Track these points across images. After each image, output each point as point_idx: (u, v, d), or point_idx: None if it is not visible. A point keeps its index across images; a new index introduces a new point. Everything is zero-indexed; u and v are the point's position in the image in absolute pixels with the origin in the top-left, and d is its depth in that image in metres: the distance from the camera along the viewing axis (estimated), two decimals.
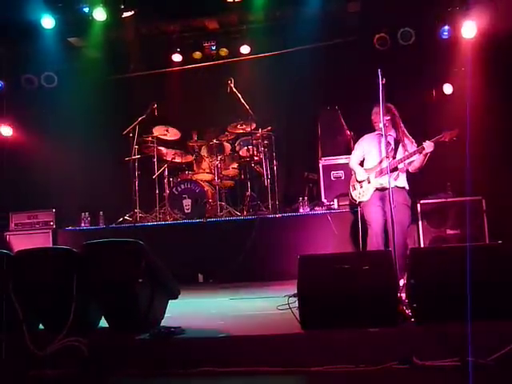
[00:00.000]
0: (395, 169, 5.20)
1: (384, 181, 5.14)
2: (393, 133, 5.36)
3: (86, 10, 7.50)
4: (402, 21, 7.53)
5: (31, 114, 8.39)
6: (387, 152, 4.94)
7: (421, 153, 5.10)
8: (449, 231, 6.30)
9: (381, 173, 5.27)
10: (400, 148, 5.29)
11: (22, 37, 7.58)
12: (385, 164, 5.11)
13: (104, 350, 3.57)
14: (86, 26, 7.69)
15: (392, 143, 5.30)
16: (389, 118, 5.22)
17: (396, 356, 3.15)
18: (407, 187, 5.35)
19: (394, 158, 5.20)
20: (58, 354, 3.51)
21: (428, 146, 5.03)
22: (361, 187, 5.46)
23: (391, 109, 5.30)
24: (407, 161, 5.23)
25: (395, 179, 5.19)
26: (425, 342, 3.23)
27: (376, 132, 5.52)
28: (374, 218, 5.23)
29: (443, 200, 6.43)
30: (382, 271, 3.51)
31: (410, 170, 5.33)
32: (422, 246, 6.22)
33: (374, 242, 5.15)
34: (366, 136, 5.68)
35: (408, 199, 5.30)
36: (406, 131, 5.38)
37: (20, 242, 7.29)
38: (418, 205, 6.36)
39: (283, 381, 3.21)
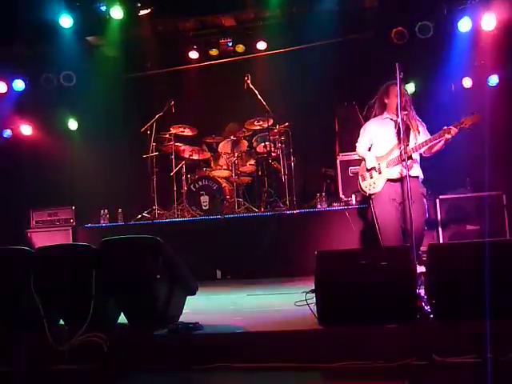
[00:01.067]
0: (409, 157, 4.76)
1: (397, 171, 4.87)
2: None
3: (104, 8, 7.56)
4: (419, 14, 7.44)
5: (51, 113, 8.49)
6: (403, 139, 4.61)
7: (445, 138, 4.75)
8: (468, 227, 6.21)
9: (394, 162, 4.93)
10: (411, 134, 4.92)
11: (41, 36, 7.67)
12: (396, 153, 4.88)
13: (123, 345, 3.61)
14: (103, 24, 7.75)
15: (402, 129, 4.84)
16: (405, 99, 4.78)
17: (414, 352, 3.12)
18: (422, 176, 5.04)
19: (407, 145, 4.78)
20: (78, 350, 3.55)
21: (450, 131, 4.70)
22: (371, 177, 5.08)
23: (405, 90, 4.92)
24: (423, 148, 4.91)
25: (409, 168, 4.76)
26: (444, 339, 3.20)
27: (385, 115, 5.13)
28: (388, 212, 4.92)
29: (463, 195, 6.35)
30: (401, 267, 3.48)
31: (423, 154, 5.01)
32: (440, 241, 6.15)
33: (390, 238, 4.87)
34: (373, 120, 5.26)
35: (423, 189, 5.03)
36: (416, 115, 5.02)
37: (41, 239, 7.41)
38: (437, 200, 6.29)
39: (300, 377, 3.20)
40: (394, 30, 7.49)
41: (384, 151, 5.05)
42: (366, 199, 5.41)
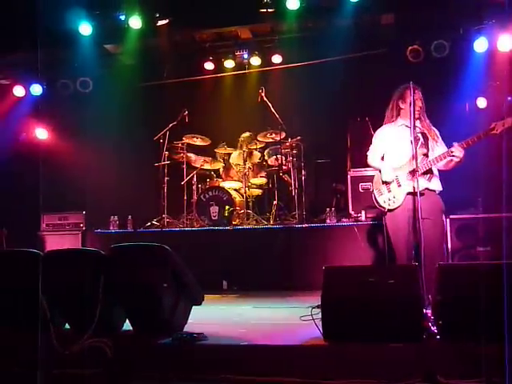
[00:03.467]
0: (429, 170, 4.49)
1: (418, 183, 4.27)
2: (418, 123, 4.59)
3: (123, 17, 7.66)
4: (436, 33, 7.45)
5: (66, 118, 8.58)
6: (421, 149, 4.36)
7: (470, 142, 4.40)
8: (479, 248, 6.14)
9: (414, 174, 4.37)
10: (430, 144, 4.56)
11: (60, 43, 7.76)
12: (414, 165, 4.34)
13: (127, 352, 3.62)
14: (121, 33, 7.85)
15: (421, 138, 4.53)
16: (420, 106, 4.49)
17: (420, 373, 3.10)
18: (441, 189, 4.64)
19: (427, 155, 4.47)
20: (82, 354, 3.56)
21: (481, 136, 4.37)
22: (389, 191, 4.63)
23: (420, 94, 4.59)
24: (444, 161, 4.51)
25: (429, 180, 4.54)
26: (450, 360, 3.17)
27: (399, 122, 4.73)
28: (403, 228, 4.54)
29: (474, 216, 6.29)
30: (408, 286, 3.46)
31: (439, 168, 4.64)
32: (450, 262, 6.10)
33: (402, 255, 4.58)
34: (385, 126, 4.83)
35: (442, 204, 4.61)
36: (430, 123, 4.70)
37: (50, 242, 7.47)
38: (448, 220, 6.24)
39: None
40: (410, 47, 7.50)
41: (401, 162, 4.61)
42: (379, 215, 5.18)
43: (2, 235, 7.79)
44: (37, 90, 8.63)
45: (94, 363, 3.53)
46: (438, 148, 4.62)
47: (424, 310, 3.49)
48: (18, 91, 8.72)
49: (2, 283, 4.06)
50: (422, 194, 4.30)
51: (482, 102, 7.43)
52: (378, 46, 7.80)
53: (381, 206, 4.71)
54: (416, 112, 4.47)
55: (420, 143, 4.50)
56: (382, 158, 4.81)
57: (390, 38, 7.78)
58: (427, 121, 4.66)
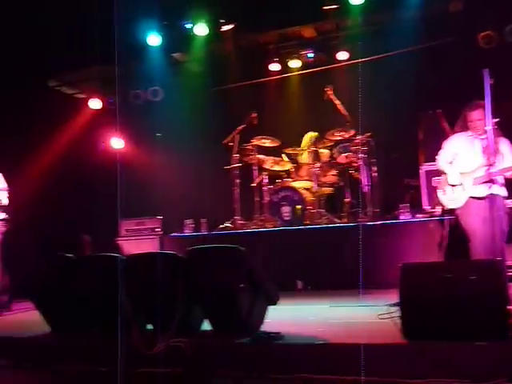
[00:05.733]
0: (493, 180, 4.73)
1: (482, 189, 4.76)
2: (486, 134, 4.73)
3: (189, 26, 7.87)
4: (509, 16, 7.11)
5: (139, 127, 8.91)
6: (488, 159, 4.58)
7: None
8: None
9: (479, 180, 4.83)
10: (498, 155, 4.74)
11: (131, 55, 8.09)
12: (482, 172, 4.78)
13: (206, 351, 3.71)
14: (188, 41, 8.07)
15: (487, 148, 4.72)
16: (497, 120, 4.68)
17: (505, 373, 2.98)
18: (505, 194, 4.92)
19: (492, 165, 4.68)
20: (164, 354, 3.69)
21: None
22: (453, 192, 5.04)
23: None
24: (510, 172, 4.81)
25: (493, 187, 4.74)
26: None
27: (469, 133, 5.05)
28: (476, 228, 4.81)
29: None
30: (491, 281, 3.33)
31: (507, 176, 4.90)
32: None
33: (479, 251, 4.74)
34: (456, 136, 5.20)
35: (505, 206, 4.90)
36: (502, 137, 4.92)
37: (129, 248, 7.75)
38: None
39: None
40: (482, 33, 7.21)
41: (469, 168, 4.96)
42: (451, 211, 5.34)
43: (85, 241, 8.22)
44: (111, 101, 9.04)
45: (174, 362, 3.65)
46: (506, 159, 4.84)
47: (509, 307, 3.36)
48: (94, 104, 9.16)
49: (88, 287, 4.29)
50: (485, 198, 4.68)
51: None
52: (446, 35, 7.54)
53: (442, 204, 5.15)
54: (475, 130, 4.92)
55: (487, 154, 4.69)
56: (451, 163, 5.13)
57: (459, 25, 7.50)
58: (497, 133, 4.73)
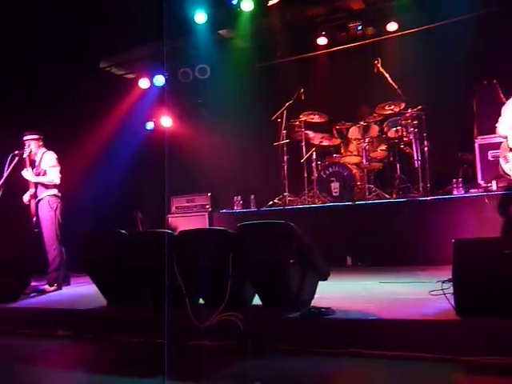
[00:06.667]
0: None
1: None
2: None
3: (235, 1, 7.83)
4: None
5: (188, 105, 9.00)
6: None
7: None
8: None
9: None
10: None
11: (178, 33, 8.13)
12: None
13: (258, 325, 3.77)
14: (234, 17, 8.03)
15: None
16: None
17: None
18: None
19: None
20: (216, 327, 3.78)
21: None
22: None
23: None
24: None
25: None
26: None
27: None
28: None
29: None
30: None
31: None
32: None
33: None
34: None
35: None
36: None
37: (179, 224, 7.92)
38: None
39: (434, 368, 3.11)
40: None
41: None
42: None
43: (138, 218, 8.44)
44: (160, 80, 9.14)
45: (227, 336, 3.73)
46: None
47: None
48: (143, 83, 9.30)
49: (141, 262, 4.42)
50: None
51: None
52: (501, 2, 7.18)
53: (506, 174, 4.81)
54: None
55: None
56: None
57: None
58: None
